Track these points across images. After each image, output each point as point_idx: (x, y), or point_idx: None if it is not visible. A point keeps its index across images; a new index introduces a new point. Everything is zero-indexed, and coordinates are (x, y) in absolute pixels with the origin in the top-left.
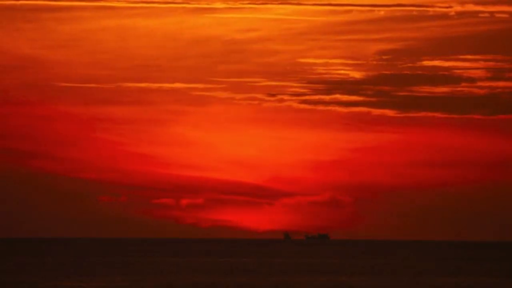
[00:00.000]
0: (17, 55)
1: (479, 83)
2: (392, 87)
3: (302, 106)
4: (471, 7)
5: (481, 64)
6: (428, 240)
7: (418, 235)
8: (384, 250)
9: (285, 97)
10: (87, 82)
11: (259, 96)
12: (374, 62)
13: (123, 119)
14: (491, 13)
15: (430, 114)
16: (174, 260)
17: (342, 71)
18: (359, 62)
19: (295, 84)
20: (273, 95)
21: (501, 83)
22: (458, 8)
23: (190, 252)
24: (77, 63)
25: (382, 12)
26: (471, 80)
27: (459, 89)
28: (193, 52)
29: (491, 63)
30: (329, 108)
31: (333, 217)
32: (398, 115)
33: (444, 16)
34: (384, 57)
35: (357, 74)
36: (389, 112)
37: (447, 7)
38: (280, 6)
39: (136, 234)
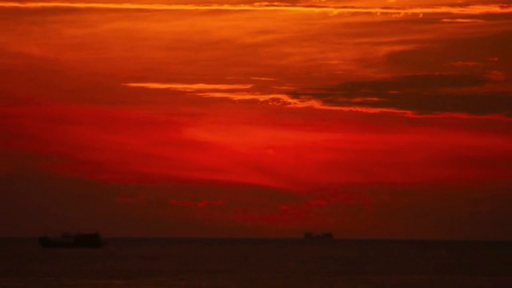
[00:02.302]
0: (27, 58)
1: (501, 84)
2: (413, 88)
3: (324, 107)
4: (494, 9)
5: (503, 65)
6: (447, 240)
7: (434, 235)
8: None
9: (308, 98)
10: (99, 84)
11: (282, 97)
12: (394, 64)
13: (138, 120)
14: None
15: (451, 114)
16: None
17: (362, 73)
18: (379, 63)
19: (315, 86)
20: (297, 96)
21: None
22: (481, 9)
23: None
24: (87, 65)
25: (401, 13)
26: (494, 81)
27: (481, 90)
28: (206, 55)
29: None
30: (350, 109)
31: (351, 218)
32: (419, 116)
33: (468, 17)
34: (404, 58)
35: (377, 76)
36: (410, 113)
37: (470, 9)
38: (291, 8)
39: (154, 234)
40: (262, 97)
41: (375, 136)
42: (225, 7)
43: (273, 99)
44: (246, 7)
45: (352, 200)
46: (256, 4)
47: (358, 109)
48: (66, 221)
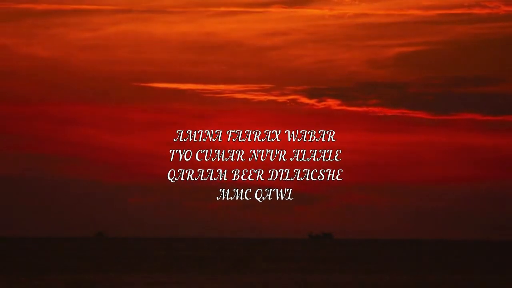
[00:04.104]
0: (36, 59)
1: None
2: (428, 89)
3: (340, 108)
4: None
5: None
6: (462, 240)
7: (445, 235)
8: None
9: (325, 99)
10: (107, 85)
11: (299, 98)
12: (409, 65)
13: (149, 121)
14: None
15: (467, 115)
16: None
17: (376, 74)
18: (393, 64)
19: (332, 87)
20: (314, 97)
21: None
22: (497, 10)
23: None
24: (96, 67)
25: (416, 14)
26: (509, 82)
27: (497, 90)
28: (218, 56)
29: None
30: (366, 109)
31: (365, 218)
32: (434, 117)
33: (482, 18)
34: (419, 59)
35: (392, 77)
36: (425, 114)
37: (492, 8)
38: (302, 10)
39: (168, 234)
40: (280, 98)
41: (390, 137)
42: (241, 9)
43: (291, 100)
44: (263, 9)
45: (367, 201)
46: (274, 6)
47: (375, 110)
48: (77, 222)
